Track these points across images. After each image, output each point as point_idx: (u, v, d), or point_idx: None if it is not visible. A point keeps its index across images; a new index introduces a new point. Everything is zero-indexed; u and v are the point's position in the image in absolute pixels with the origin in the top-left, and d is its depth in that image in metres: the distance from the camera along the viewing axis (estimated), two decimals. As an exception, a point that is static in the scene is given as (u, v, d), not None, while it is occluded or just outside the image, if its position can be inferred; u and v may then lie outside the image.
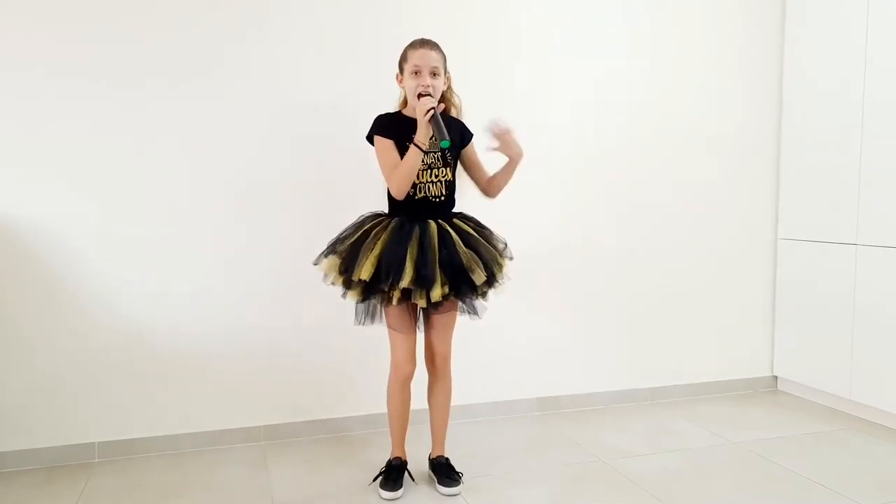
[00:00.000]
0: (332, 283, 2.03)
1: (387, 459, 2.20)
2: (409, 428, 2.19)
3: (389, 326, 2.08)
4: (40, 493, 2.13)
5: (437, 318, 2.10)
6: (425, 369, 2.20)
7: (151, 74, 2.41)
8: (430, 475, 2.23)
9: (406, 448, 2.21)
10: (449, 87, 2.16)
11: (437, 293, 1.92)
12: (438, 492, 2.13)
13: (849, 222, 2.87)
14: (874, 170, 2.76)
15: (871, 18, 2.77)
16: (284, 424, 2.62)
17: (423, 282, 1.92)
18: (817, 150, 3.05)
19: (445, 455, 2.21)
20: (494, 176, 2.17)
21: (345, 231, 2.08)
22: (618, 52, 3.00)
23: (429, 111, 1.91)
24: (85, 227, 2.37)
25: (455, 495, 2.10)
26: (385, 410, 2.19)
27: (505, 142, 2.06)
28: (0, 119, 2.27)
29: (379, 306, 2.07)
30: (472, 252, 2.00)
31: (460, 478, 2.15)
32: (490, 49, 2.81)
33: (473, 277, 1.96)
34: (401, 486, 2.10)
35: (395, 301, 1.95)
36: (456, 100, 2.19)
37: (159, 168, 2.44)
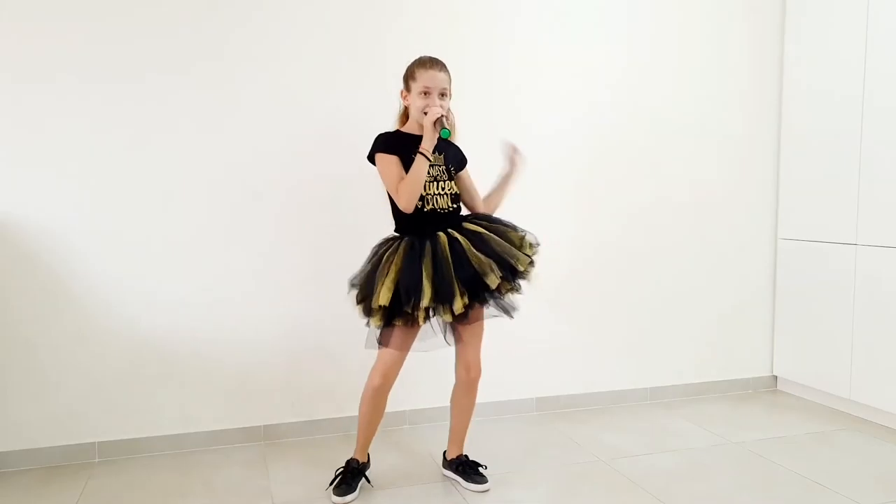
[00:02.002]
0: (362, 317, 2.02)
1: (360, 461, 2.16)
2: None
3: (385, 345, 2.02)
4: (40, 493, 2.13)
5: (466, 330, 2.07)
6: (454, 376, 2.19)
7: (152, 74, 2.41)
8: (443, 473, 2.24)
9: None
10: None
11: (458, 305, 1.91)
12: (467, 489, 2.13)
13: (849, 222, 2.87)
14: (874, 170, 2.76)
15: (871, 19, 2.77)
16: (284, 424, 2.62)
17: (442, 297, 1.91)
18: (817, 150, 3.05)
19: (465, 453, 2.23)
20: (489, 196, 2.21)
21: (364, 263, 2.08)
22: (618, 52, 3.00)
23: (437, 119, 1.94)
24: (85, 227, 2.37)
25: (485, 491, 2.11)
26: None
27: (514, 161, 2.21)
28: (0, 119, 2.27)
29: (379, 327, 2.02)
30: (482, 255, 1.97)
31: (485, 471, 2.17)
32: (490, 49, 2.80)
33: (487, 282, 1.94)
34: (354, 490, 2.06)
35: (420, 321, 1.95)
36: (451, 117, 2.17)
37: (160, 168, 2.44)
